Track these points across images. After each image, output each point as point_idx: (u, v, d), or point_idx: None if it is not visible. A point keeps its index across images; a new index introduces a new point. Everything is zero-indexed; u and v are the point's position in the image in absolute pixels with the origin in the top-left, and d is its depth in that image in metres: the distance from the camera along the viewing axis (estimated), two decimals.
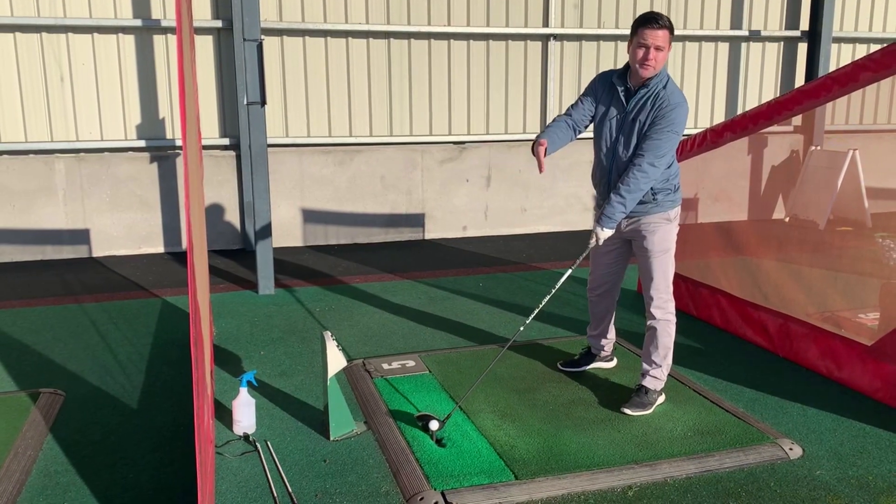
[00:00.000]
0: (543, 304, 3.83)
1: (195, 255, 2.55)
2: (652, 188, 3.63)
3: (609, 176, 3.72)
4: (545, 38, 8.31)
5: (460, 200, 8.29)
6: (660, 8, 8.59)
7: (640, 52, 3.50)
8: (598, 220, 3.65)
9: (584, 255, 3.77)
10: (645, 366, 3.84)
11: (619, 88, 3.64)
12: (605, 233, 3.65)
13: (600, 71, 8.47)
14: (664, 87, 3.53)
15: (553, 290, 3.82)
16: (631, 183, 3.52)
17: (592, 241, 3.70)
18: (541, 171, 3.58)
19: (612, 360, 4.37)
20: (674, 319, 3.81)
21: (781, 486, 3.10)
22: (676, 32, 8.59)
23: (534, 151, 3.63)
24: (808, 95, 4.41)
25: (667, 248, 3.74)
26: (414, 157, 8.07)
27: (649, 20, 3.48)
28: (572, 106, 3.80)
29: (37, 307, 5.64)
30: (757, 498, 3.02)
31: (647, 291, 3.79)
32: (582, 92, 3.83)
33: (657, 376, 3.81)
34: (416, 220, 8.19)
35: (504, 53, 8.23)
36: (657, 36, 3.46)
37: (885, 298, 4.45)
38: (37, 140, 7.09)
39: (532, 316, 3.84)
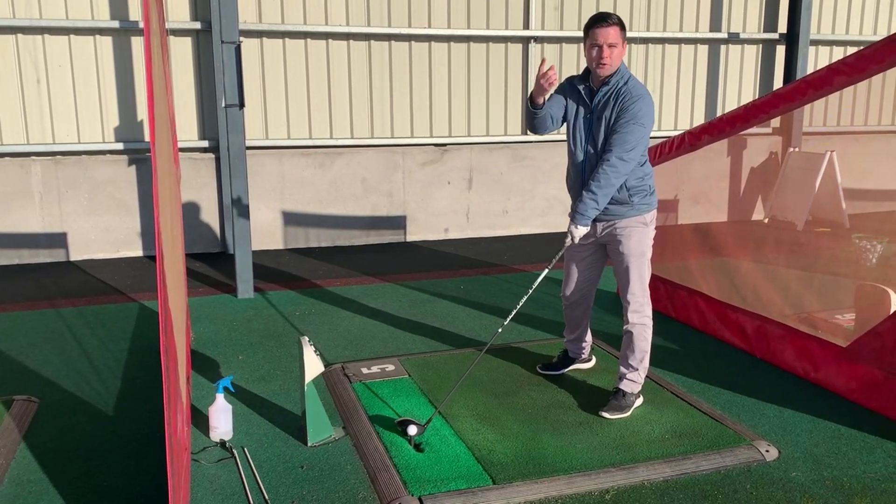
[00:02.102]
0: (520, 306, 3.84)
1: (169, 260, 2.53)
2: (628, 190, 3.64)
3: (583, 177, 3.72)
4: (526, 40, 8.32)
5: (441, 202, 8.28)
6: (639, 11, 8.63)
7: (594, 52, 3.55)
8: (572, 217, 3.66)
9: (560, 254, 3.78)
10: (622, 369, 3.85)
11: (582, 90, 3.68)
12: (580, 230, 3.65)
13: (578, 71, 8.51)
14: (626, 84, 3.56)
15: (529, 292, 3.83)
16: (601, 179, 3.53)
17: (568, 241, 3.70)
18: (548, 72, 3.47)
19: (590, 360, 4.38)
20: (650, 323, 3.82)
21: (757, 488, 3.12)
22: (656, 35, 8.66)
23: (537, 89, 3.57)
24: (783, 99, 4.44)
25: (643, 252, 3.75)
26: (395, 160, 8.05)
27: (598, 19, 3.54)
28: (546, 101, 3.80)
29: (12, 312, 5.57)
30: (733, 500, 3.04)
31: (623, 296, 3.81)
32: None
33: (634, 379, 3.82)
34: (398, 223, 8.17)
35: (485, 55, 8.24)
36: (608, 34, 3.50)
37: (860, 299, 4.50)
38: (12, 143, 7.01)
39: (509, 318, 3.85)
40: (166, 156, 2.97)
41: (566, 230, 3.71)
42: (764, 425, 3.70)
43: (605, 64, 3.53)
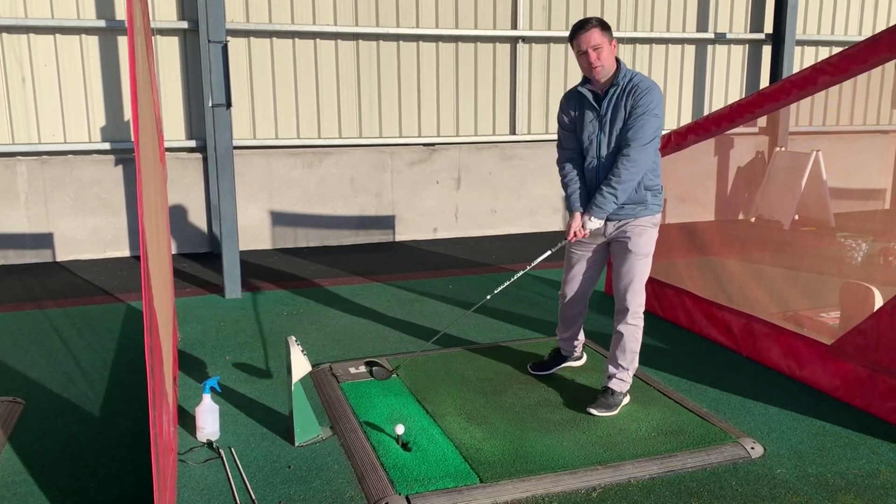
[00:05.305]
0: (498, 291, 3.93)
1: (154, 260, 2.52)
2: (645, 187, 3.64)
3: (597, 179, 3.70)
4: (514, 40, 8.34)
5: (430, 202, 8.29)
6: (626, 11, 8.66)
7: (584, 60, 3.59)
8: (589, 209, 3.65)
9: (560, 245, 3.87)
10: (611, 368, 3.86)
11: (588, 95, 3.67)
12: (594, 223, 3.67)
13: (566, 71, 8.54)
14: (631, 79, 3.57)
15: (520, 275, 3.92)
16: (622, 173, 3.52)
17: (571, 234, 3.73)
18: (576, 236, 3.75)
19: (581, 357, 4.40)
20: (642, 324, 3.81)
21: (743, 485, 3.14)
22: (643, 35, 8.69)
23: (571, 226, 3.73)
24: (768, 98, 4.47)
25: (648, 252, 3.75)
26: (383, 159, 8.05)
27: (577, 27, 3.60)
28: (560, 139, 3.86)
29: None
30: (719, 497, 3.06)
31: (621, 293, 3.77)
32: (558, 125, 3.89)
33: (623, 378, 3.83)
34: (386, 222, 8.17)
35: (473, 55, 8.25)
36: (590, 38, 3.55)
37: (845, 298, 4.53)
38: None
39: (501, 288, 3.91)
40: (151, 155, 2.96)
41: (567, 225, 3.74)
42: (750, 422, 3.73)
43: (596, 67, 3.55)
